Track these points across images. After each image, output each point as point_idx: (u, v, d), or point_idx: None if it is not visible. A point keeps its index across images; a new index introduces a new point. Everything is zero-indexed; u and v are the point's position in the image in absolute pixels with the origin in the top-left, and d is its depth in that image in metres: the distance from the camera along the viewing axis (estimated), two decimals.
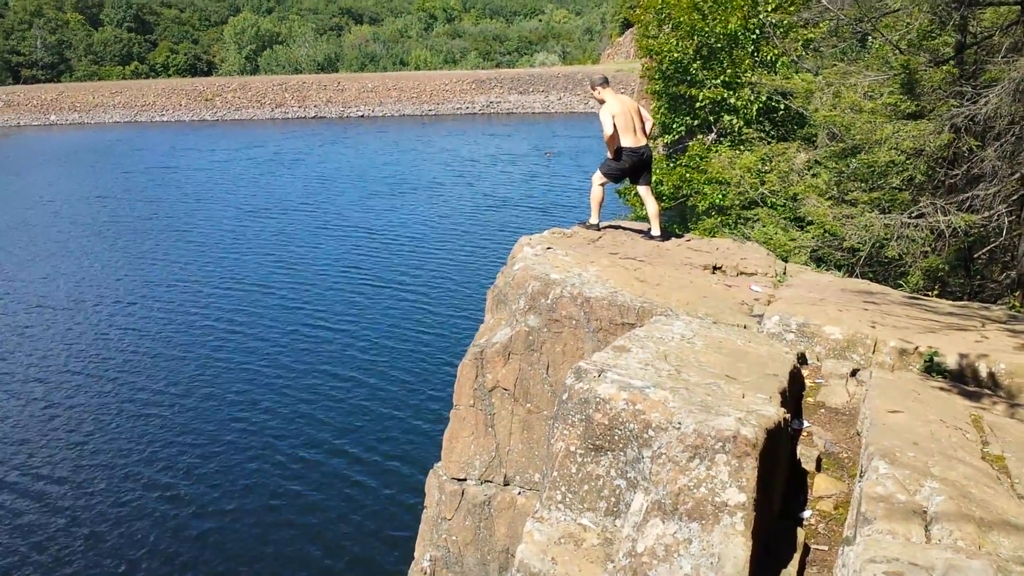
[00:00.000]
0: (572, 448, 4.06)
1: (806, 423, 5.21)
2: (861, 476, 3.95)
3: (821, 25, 18.89)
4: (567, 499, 4.05)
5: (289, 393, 19.95)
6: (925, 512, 3.51)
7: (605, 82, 10.34)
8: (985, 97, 11.38)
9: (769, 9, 20.74)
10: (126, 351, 23.44)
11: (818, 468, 4.66)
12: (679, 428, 3.76)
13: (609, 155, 10.29)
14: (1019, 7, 11.56)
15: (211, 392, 20.24)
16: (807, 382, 5.86)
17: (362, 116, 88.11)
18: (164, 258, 33.36)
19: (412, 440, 17.45)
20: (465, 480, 8.92)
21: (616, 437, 3.97)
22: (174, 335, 24.59)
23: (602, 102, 10.21)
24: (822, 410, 5.42)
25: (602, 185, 10.59)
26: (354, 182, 49.21)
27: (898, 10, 13.23)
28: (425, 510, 9.43)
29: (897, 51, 13.96)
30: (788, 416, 4.30)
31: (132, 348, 23.65)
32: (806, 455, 4.68)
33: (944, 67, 12.88)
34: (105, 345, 23.96)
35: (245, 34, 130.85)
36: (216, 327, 24.87)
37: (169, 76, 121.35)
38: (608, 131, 9.97)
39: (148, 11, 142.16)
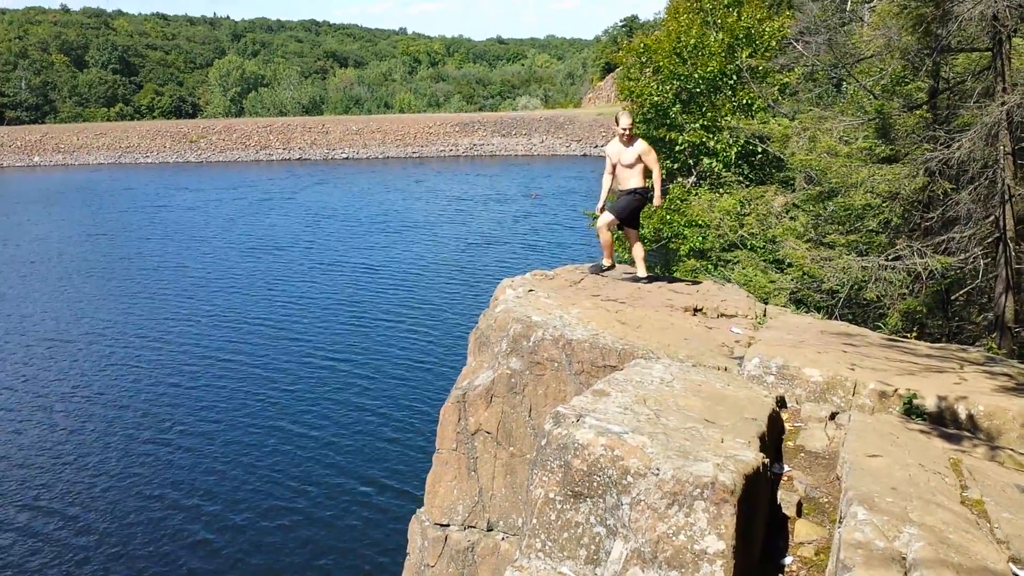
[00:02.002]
0: (551, 495, 4.04)
1: (786, 467, 5.21)
2: (840, 522, 3.95)
3: (796, 70, 19.26)
4: (547, 547, 4.02)
5: (270, 435, 19.76)
6: (904, 559, 3.50)
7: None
8: (958, 141, 11.58)
9: (745, 56, 21.11)
10: (123, 385, 23.69)
11: (799, 513, 4.65)
12: (657, 474, 3.75)
13: (659, 194, 10.41)
14: (990, 53, 11.83)
15: (185, 440, 20.01)
16: (787, 425, 5.87)
17: (346, 158, 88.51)
18: (161, 294, 33.80)
19: (395, 485, 17.28)
20: (448, 525, 8.82)
21: (595, 483, 3.95)
22: (166, 367, 24.91)
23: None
24: (802, 454, 5.43)
25: (609, 227, 10.55)
26: (343, 223, 49.40)
27: (872, 56, 13.52)
28: (408, 557, 9.30)
29: (871, 96, 14.22)
30: (767, 461, 4.31)
31: (129, 381, 23.95)
32: (787, 500, 4.68)
33: (918, 112, 13.12)
34: (105, 379, 24.20)
35: (230, 77, 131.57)
36: (203, 362, 24.99)
37: (154, 118, 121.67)
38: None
39: (133, 53, 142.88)
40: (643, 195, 10.30)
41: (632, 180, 10.20)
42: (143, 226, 50.32)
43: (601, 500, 3.91)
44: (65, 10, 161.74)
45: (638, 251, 10.59)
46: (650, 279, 10.60)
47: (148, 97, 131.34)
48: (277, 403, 21.71)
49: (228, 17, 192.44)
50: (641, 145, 10.12)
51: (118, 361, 25.73)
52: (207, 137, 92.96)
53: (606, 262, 10.69)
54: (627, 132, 10.05)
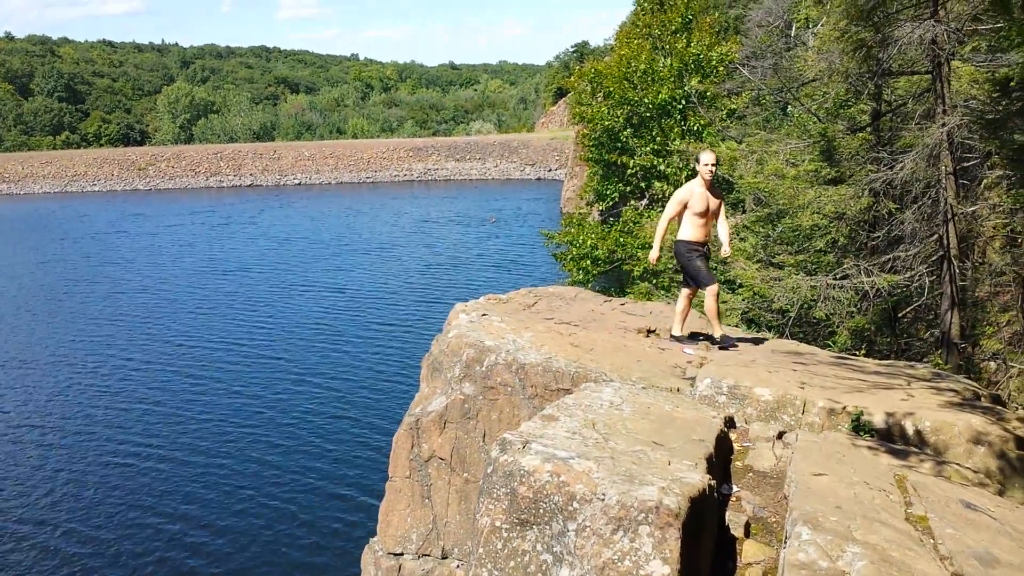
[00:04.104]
0: (497, 523, 3.99)
1: (735, 488, 5.21)
2: (785, 542, 3.95)
3: (744, 95, 19.61)
4: None
5: (218, 464, 19.38)
6: None
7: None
8: (901, 162, 11.86)
9: (694, 82, 21.45)
10: (84, 405, 23.82)
11: (747, 534, 4.65)
12: (603, 499, 3.73)
13: (728, 242, 9.13)
14: (930, 76, 12.15)
15: (121, 473, 19.57)
16: (735, 445, 5.89)
17: (299, 184, 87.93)
18: (121, 317, 33.89)
19: (347, 514, 17.02)
20: (402, 554, 8.70)
21: (541, 510, 3.91)
22: (121, 388, 25.17)
23: None
24: (750, 474, 5.44)
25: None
26: (298, 248, 49.09)
27: (815, 80, 13.80)
28: None
29: (816, 119, 14.49)
30: (714, 482, 4.31)
31: (89, 402, 24.05)
32: (734, 521, 4.68)
33: (861, 134, 13.40)
34: (68, 400, 24.37)
35: (179, 103, 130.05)
36: (151, 386, 24.93)
37: (101, 146, 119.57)
38: None
39: (80, 80, 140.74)
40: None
41: (705, 229, 8.76)
42: (102, 252, 49.96)
43: (547, 527, 3.87)
44: (9, 38, 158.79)
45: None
46: (725, 343, 9.03)
47: (95, 125, 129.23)
48: (226, 431, 21.33)
49: (177, 44, 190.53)
50: (716, 190, 8.85)
51: (83, 382, 25.84)
52: (156, 164, 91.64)
53: (680, 330, 9.20)
54: (713, 169, 8.65)
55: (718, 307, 8.98)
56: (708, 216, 8.72)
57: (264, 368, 26.37)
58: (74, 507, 17.86)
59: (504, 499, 3.99)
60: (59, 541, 16.52)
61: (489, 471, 4.13)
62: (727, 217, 9.03)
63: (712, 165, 8.57)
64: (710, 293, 8.87)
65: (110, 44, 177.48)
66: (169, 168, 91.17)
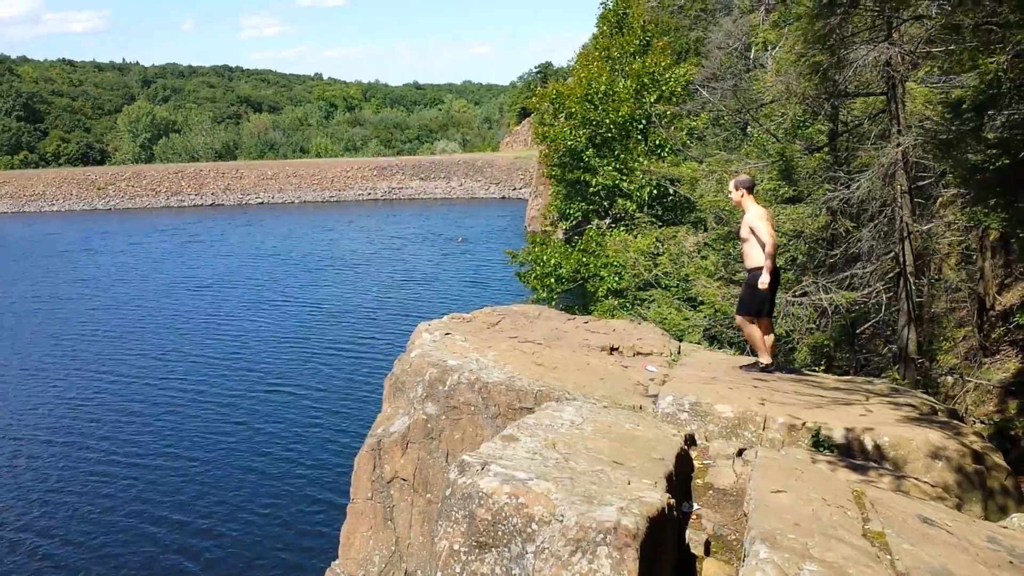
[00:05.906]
0: (456, 547, 3.95)
1: (696, 505, 5.22)
2: (744, 560, 3.96)
3: (703, 115, 19.85)
4: None
5: (179, 488, 19.03)
6: None
7: (751, 187, 8.80)
8: (857, 181, 12.05)
9: (652, 100, 21.69)
10: (61, 420, 23.97)
11: (707, 552, 4.65)
12: (561, 521, 3.71)
13: (765, 276, 8.44)
14: (885, 97, 12.38)
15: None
16: (696, 463, 5.90)
17: (262, 203, 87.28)
18: (91, 334, 33.84)
19: (308, 538, 16.76)
20: None
21: (500, 533, 3.88)
22: (92, 403, 25.24)
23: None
24: (711, 491, 5.45)
25: (750, 322, 8.92)
26: (260, 267, 48.68)
27: (773, 102, 14.00)
28: None
29: (775, 139, 14.69)
30: (673, 501, 4.30)
31: (64, 417, 24.21)
32: (695, 539, 4.68)
33: (818, 154, 13.61)
34: (47, 415, 24.45)
35: (140, 122, 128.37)
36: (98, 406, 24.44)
37: (60, 165, 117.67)
38: (770, 241, 8.35)
39: (39, 99, 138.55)
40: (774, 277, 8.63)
41: (751, 256, 8.62)
42: (68, 271, 49.62)
43: (506, 550, 3.84)
44: None
45: (767, 339, 8.95)
46: (772, 367, 9.00)
47: (54, 144, 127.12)
48: (187, 452, 20.98)
49: (138, 63, 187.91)
50: (750, 213, 8.56)
51: (55, 397, 25.96)
52: (115, 184, 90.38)
53: (763, 360, 8.96)
54: (734, 199, 8.59)
55: (757, 335, 8.88)
56: (741, 241, 8.73)
57: (228, 386, 26.08)
58: (29, 517, 17.77)
59: (463, 522, 3.95)
60: (19, 547, 16.44)
61: (448, 493, 4.10)
62: (755, 236, 8.49)
63: (729, 195, 8.53)
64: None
65: (70, 63, 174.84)
66: (129, 188, 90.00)
